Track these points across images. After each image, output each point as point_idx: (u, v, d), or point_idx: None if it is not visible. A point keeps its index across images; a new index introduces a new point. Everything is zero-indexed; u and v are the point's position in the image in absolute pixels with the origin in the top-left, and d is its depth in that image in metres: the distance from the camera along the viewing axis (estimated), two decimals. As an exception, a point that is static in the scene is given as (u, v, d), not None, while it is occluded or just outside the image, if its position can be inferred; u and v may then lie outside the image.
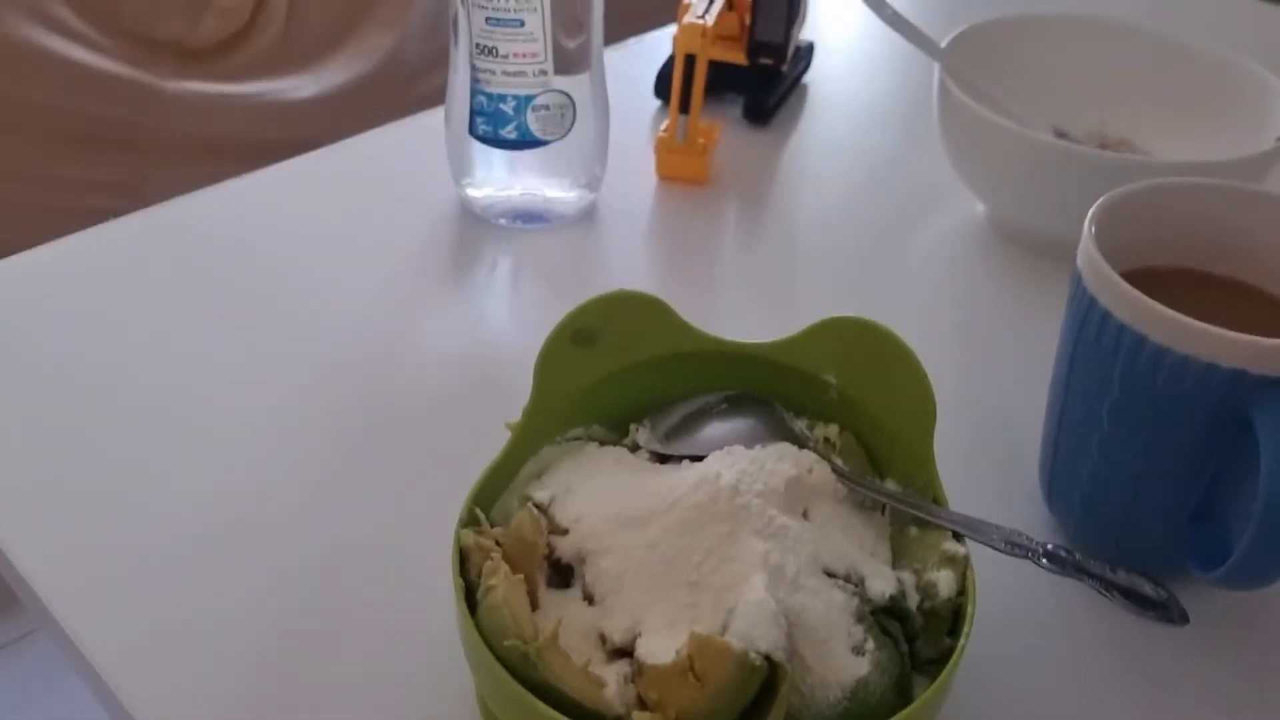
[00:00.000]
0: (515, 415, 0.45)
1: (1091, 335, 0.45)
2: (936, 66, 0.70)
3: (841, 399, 0.46)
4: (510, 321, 0.65)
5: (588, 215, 0.70)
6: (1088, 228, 0.47)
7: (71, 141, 1.33)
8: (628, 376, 0.46)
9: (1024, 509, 0.53)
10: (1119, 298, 0.44)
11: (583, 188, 0.68)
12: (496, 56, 0.61)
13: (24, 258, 0.65)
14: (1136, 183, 0.50)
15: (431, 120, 0.74)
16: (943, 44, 0.71)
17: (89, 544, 0.49)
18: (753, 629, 0.37)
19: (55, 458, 0.53)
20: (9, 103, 1.30)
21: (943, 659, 0.40)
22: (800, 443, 0.44)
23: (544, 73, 0.62)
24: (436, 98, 0.78)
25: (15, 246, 0.65)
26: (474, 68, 0.62)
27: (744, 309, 0.64)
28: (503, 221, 0.68)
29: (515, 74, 0.62)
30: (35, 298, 0.62)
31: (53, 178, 1.33)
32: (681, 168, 0.73)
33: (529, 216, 0.68)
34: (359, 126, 0.78)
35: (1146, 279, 0.45)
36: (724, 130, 0.77)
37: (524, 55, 0.61)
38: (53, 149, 1.33)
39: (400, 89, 1.47)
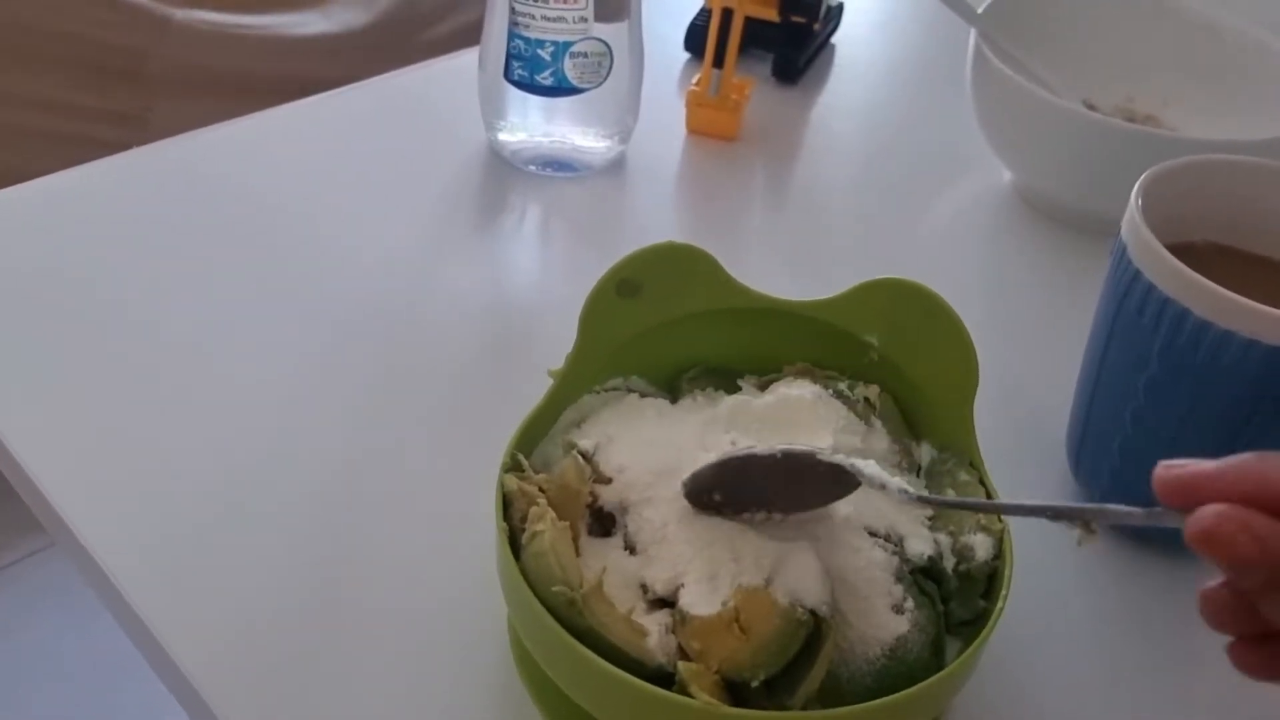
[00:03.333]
0: (545, 363, 0.45)
1: (1133, 308, 0.46)
2: (972, 32, 0.69)
3: (883, 360, 0.46)
4: (537, 270, 0.64)
5: (616, 166, 0.70)
6: (1134, 200, 0.47)
7: (75, 68, 1.31)
8: (670, 329, 0.46)
9: (1049, 478, 0.53)
10: (1164, 271, 0.44)
11: (614, 138, 0.68)
12: (537, 1, 0.61)
13: (33, 186, 0.64)
14: (1182, 158, 0.50)
15: (462, 62, 0.73)
16: (979, 9, 0.71)
17: (114, 471, 0.49)
18: (798, 583, 0.37)
19: (74, 387, 0.52)
20: (11, 27, 1.27)
21: (976, 621, 0.41)
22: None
23: (584, 20, 0.62)
24: (447, 44, 0.77)
25: (17, 172, 0.64)
26: (513, 11, 0.62)
27: (769, 266, 0.64)
28: (532, 168, 0.68)
29: (555, 19, 0.61)
30: (49, 225, 0.61)
31: (55, 104, 1.31)
32: (712, 122, 0.72)
33: (558, 164, 0.68)
34: (366, 67, 0.77)
35: (1184, 254, 0.46)
36: (753, 87, 0.77)
37: (564, 1, 0.61)
38: (56, 75, 1.30)
39: (410, 32, 1.45)
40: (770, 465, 0.39)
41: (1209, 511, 0.30)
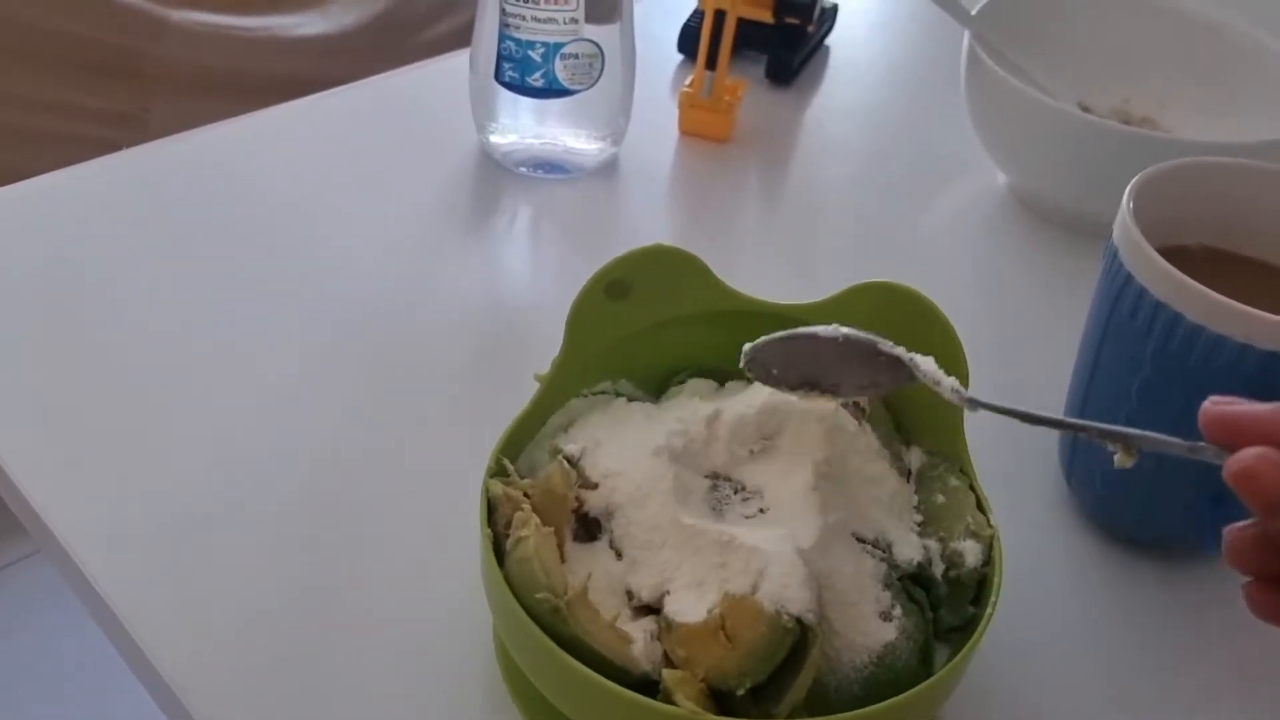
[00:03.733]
0: (534, 365, 0.45)
1: (1125, 311, 0.45)
2: (966, 34, 0.69)
3: (872, 364, 0.46)
4: (529, 272, 0.64)
5: (608, 168, 0.69)
6: (1126, 203, 0.46)
7: (72, 67, 1.31)
8: (659, 332, 0.46)
9: (1042, 484, 0.53)
10: (1156, 275, 0.44)
11: (605, 140, 0.68)
12: (528, 2, 0.60)
13: (29, 184, 0.64)
14: (1175, 160, 0.49)
15: (453, 63, 0.73)
16: (973, 11, 0.70)
17: (99, 472, 0.49)
18: (784, 591, 0.37)
19: (63, 387, 0.52)
20: (9, 26, 1.27)
21: (965, 627, 0.40)
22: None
23: (575, 21, 0.61)
24: (443, 45, 0.77)
25: (14, 172, 0.64)
26: (504, 12, 0.61)
27: (762, 268, 0.64)
28: (523, 170, 0.68)
29: (546, 20, 0.61)
30: (45, 224, 0.61)
31: (52, 103, 1.31)
32: (705, 124, 0.72)
33: (550, 166, 0.68)
34: (363, 68, 0.76)
35: (1177, 257, 0.45)
36: (746, 89, 0.76)
37: (555, 2, 0.60)
38: (53, 75, 1.30)
39: (407, 33, 1.45)
40: (831, 345, 0.40)
41: (1251, 452, 0.31)
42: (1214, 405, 0.34)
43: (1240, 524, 0.34)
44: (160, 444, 0.50)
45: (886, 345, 0.39)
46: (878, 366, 0.40)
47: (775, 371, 0.41)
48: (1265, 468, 0.31)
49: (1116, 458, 0.37)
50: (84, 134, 1.31)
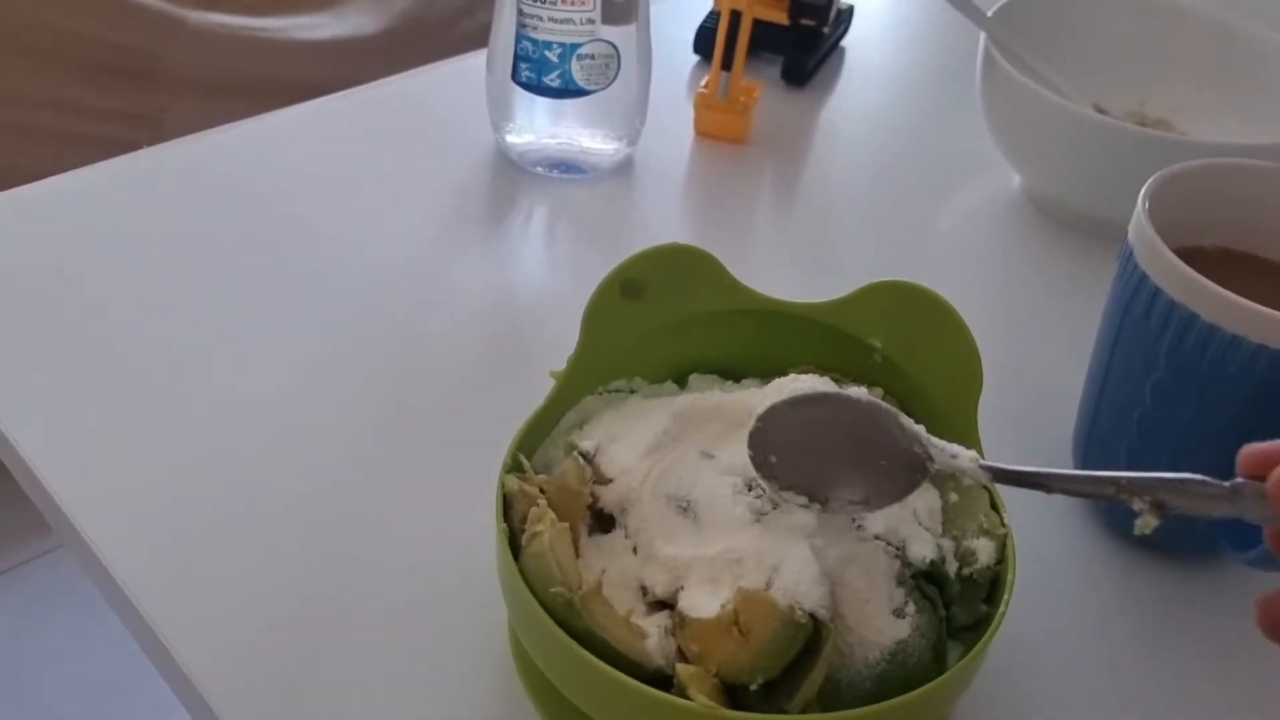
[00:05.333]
0: (550, 363, 0.45)
1: (1140, 311, 0.45)
2: (982, 35, 0.69)
3: (886, 363, 0.46)
4: (544, 271, 0.64)
5: (624, 168, 0.70)
6: (1141, 203, 0.47)
7: (90, 69, 1.32)
8: (674, 331, 0.46)
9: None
10: (1171, 275, 0.44)
11: (621, 140, 0.68)
12: (544, 3, 0.61)
13: (44, 185, 0.64)
14: (1192, 161, 0.49)
15: (470, 64, 0.73)
16: (989, 13, 0.71)
17: (122, 468, 0.49)
18: (797, 586, 0.37)
19: (84, 383, 0.53)
20: (29, 26, 1.28)
21: (977, 626, 0.40)
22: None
23: (591, 21, 0.62)
24: (461, 48, 0.77)
25: (30, 172, 0.65)
26: (520, 13, 0.62)
27: (776, 269, 0.64)
28: (539, 170, 0.68)
29: (562, 21, 0.61)
30: (61, 225, 0.61)
31: (70, 104, 1.31)
32: (720, 125, 0.72)
33: (566, 166, 0.68)
34: (380, 71, 0.77)
35: (1193, 258, 0.45)
36: (761, 90, 0.77)
37: (572, 2, 0.61)
38: (71, 75, 1.31)
39: (424, 36, 1.45)
40: (847, 420, 0.38)
41: None
42: (1251, 445, 0.33)
43: (1274, 590, 0.33)
44: (182, 439, 0.51)
45: (908, 421, 0.38)
46: (892, 450, 0.38)
47: (774, 460, 0.38)
48: None
49: (1139, 521, 0.35)
50: (101, 135, 1.32)
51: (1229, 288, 0.43)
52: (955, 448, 0.39)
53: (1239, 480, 0.33)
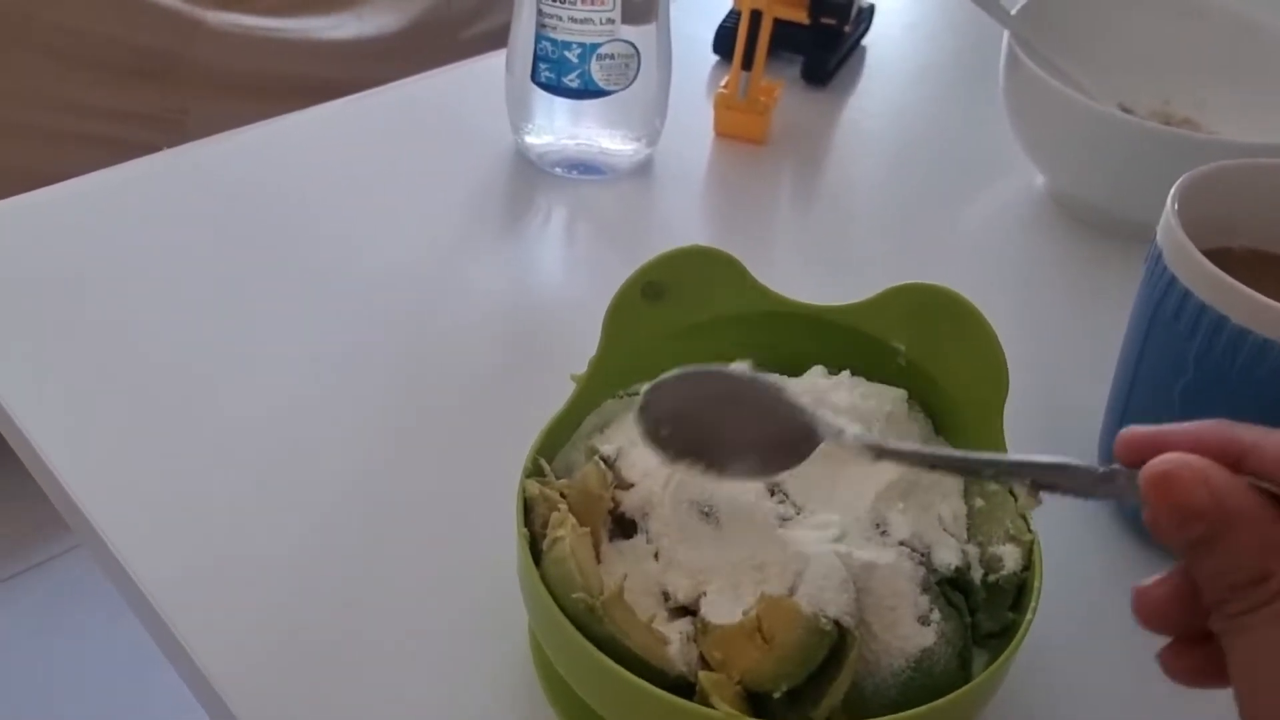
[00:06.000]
0: (570, 366, 0.45)
1: (1168, 314, 0.45)
2: (1005, 34, 0.68)
3: (910, 366, 0.46)
4: (564, 273, 0.64)
5: (643, 169, 0.69)
6: (1170, 205, 0.46)
7: (110, 70, 1.32)
8: (695, 333, 0.46)
9: (1081, 487, 0.52)
10: (1201, 277, 0.43)
11: (641, 140, 0.68)
12: (564, 3, 0.60)
13: (65, 186, 0.64)
14: (1220, 161, 0.49)
15: (489, 64, 0.73)
16: (1013, 11, 0.70)
17: (140, 466, 0.49)
18: (822, 593, 0.37)
19: (103, 381, 0.53)
20: (48, 28, 1.29)
21: (1003, 633, 0.40)
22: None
23: (611, 21, 0.61)
24: (480, 47, 0.77)
25: (50, 174, 0.65)
26: (540, 13, 0.61)
27: (797, 270, 0.64)
28: (559, 171, 0.68)
29: (582, 21, 0.61)
30: (82, 226, 0.62)
31: (90, 106, 1.32)
32: (741, 125, 0.72)
33: (585, 167, 0.68)
34: (400, 71, 0.77)
35: (1221, 259, 0.45)
36: (782, 90, 0.76)
37: (592, 2, 0.60)
38: (91, 76, 1.32)
39: (444, 36, 1.45)
40: (736, 390, 0.37)
41: (1170, 456, 0.29)
42: (1129, 431, 0.31)
43: (1151, 580, 0.31)
44: (200, 438, 0.51)
45: (791, 393, 0.38)
46: (780, 422, 0.38)
47: (665, 432, 0.38)
48: (1183, 472, 0.28)
49: (1019, 502, 0.34)
50: (122, 136, 1.32)
51: (1257, 289, 0.42)
52: (843, 421, 0.38)
53: (1114, 467, 0.31)
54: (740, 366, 0.39)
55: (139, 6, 1.31)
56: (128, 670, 1.31)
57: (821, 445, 0.38)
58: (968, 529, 0.42)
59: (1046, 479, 0.33)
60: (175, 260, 0.60)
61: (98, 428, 0.51)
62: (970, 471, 0.37)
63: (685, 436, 0.38)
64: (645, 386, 0.39)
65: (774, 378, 0.39)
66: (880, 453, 0.37)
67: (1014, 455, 0.35)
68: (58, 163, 0.76)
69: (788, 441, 0.38)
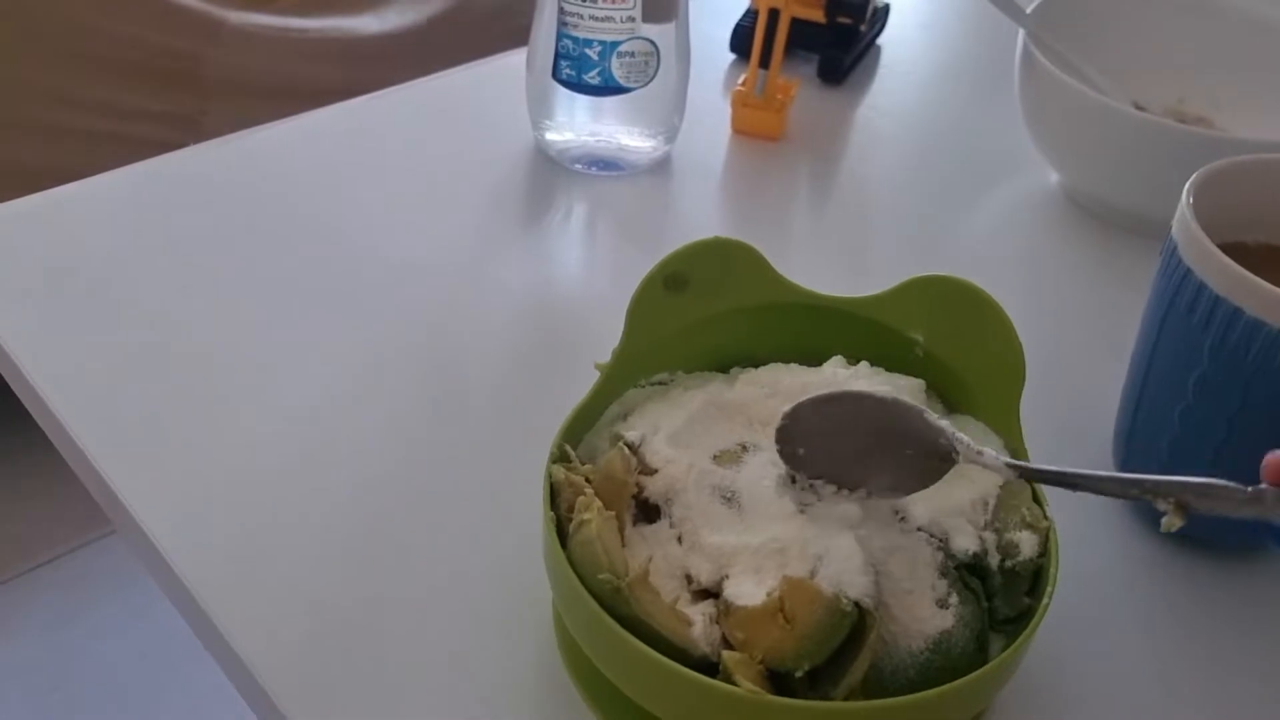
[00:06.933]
0: (593, 356, 0.45)
1: (1183, 306, 0.45)
2: (1021, 32, 0.69)
3: (928, 357, 0.46)
4: (585, 266, 0.65)
5: (662, 165, 0.70)
6: (1185, 198, 0.47)
7: (131, 70, 1.33)
8: (716, 324, 0.47)
9: (1095, 478, 0.53)
10: (1216, 270, 0.44)
11: (660, 138, 0.68)
12: (585, 1, 0.61)
13: (85, 184, 0.65)
14: (1237, 156, 0.49)
15: (510, 62, 0.74)
16: (1028, 10, 0.71)
17: (175, 454, 0.50)
18: (842, 575, 0.37)
19: (135, 372, 0.54)
20: (70, 27, 1.30)
21: (1020, 618, 0.40)
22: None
23: (632, 19, 0.62)
24: (500, 47, 0.78)
25: (71, 173, 0.66)
26: (561, 10, 0.62)
27: (813, 267, 0.64)
28: (578, 167, 0.69)
29: (603, 19, 0.62)
30: (105, 221, 0.63)
31: (110, 105, 1.33)
32: (757, 123, 0.73)
33: (604, 163, 0.68)
34: (419, 70, 0.78)
35: (1236, 254, 0.45)
36: (798, 88, 0.77)
37: (613, 1, 0.61)
38: (112, 77, 1.33)
39: (463, 35, 1.46)
40: (873, 411, 0.39)
41: None
42: (1275, 453, 0.33)
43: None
44: (233, 426, 0.51)
45: (932, 416, 0.39)
46: (918, 444, 0.39)
47: (801, 452, 0.40)
48: None
49: (1165, 520, 0.35)
50: (142, 136, 1.33)
51: (1273, 283, 0.43)
52: (982, 445, 0.39)
53: (1261, 487, 0.33)
54: (882, 390, 0.41)
55: (161, 7, 1.33)
56: (157, 658, 1.32)
57: (957, 465, 0.39)
58: (985, 516, 0.43)
59: (1193, 498, 0.35)
60: (204, 254, 0.61)
61: (133, 413, 0.52)
62: (1117, 494, 0.38)
63: (821, 456, 0.40)
64: (784, 408, 0.41)
65: (913, 404, 0.40)
66: (1023, 473, 0.38)
67: (1164, 477, 0.36)
68: (77, 162, 0.77)
69: (923, 461, 0.39)
